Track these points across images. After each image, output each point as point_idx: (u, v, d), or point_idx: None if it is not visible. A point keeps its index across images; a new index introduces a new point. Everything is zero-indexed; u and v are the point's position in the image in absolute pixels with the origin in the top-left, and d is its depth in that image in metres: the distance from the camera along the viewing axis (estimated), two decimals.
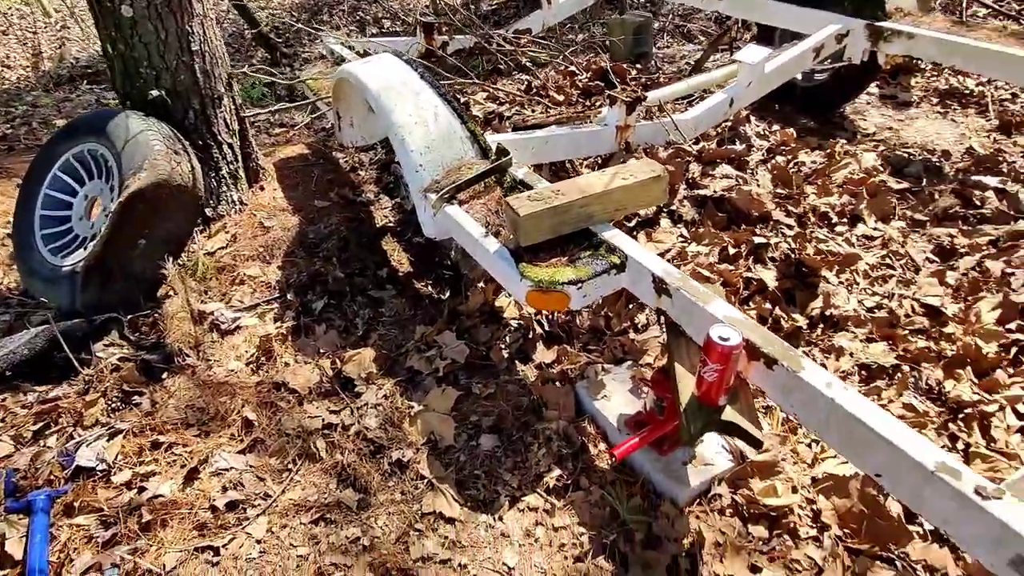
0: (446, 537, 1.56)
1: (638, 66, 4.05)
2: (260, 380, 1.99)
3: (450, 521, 1.59)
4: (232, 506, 1.61)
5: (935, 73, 3.82)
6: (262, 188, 2.93)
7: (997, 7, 3.87)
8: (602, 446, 1.74)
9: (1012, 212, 2.51)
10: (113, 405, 1.87)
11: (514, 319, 2.14)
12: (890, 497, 1.51)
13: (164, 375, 1.99)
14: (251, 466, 1.72)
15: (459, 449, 1.76)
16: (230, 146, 2.69)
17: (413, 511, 1.61)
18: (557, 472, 1.67)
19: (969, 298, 2.09)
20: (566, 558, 1.50)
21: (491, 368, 1.99)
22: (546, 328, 2.11)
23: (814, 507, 1.55)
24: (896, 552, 1.45)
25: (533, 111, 3.20)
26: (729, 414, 1.32)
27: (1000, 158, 2.87)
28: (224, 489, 1.65)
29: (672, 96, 2.88)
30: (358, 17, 6.52)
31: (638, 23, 4.30)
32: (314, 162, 3.24)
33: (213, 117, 2.58)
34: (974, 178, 2.73)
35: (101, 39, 2.40)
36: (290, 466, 1.73)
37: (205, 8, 2.48)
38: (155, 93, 2.38)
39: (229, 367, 2.06)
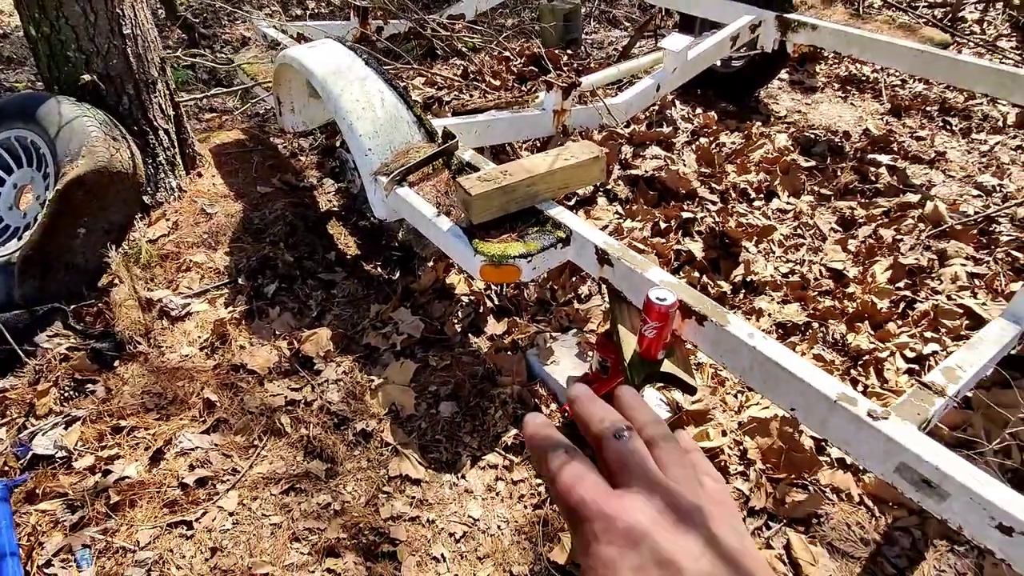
0: (413, 497, 1.67)
1: (569, 52, 4.20)
2: (217, 363, 2.02)
3: (416, 482, 1.70)
4: (202, 482, 1.66)
5: (837, 61, 4.17)
6: (200, 175, 2.89)
7: (888, 1, 4.26)
8: (553, 406, 1.89)
9: (901, 186, 2.83)
10: (66, 394, 1.86)
11: (465, 295, 2.25)
12: (803, 434, 1.74)
13: (116, 363, 1.99)
14: (216, 444, 1.77)
15: (420, 417, 1.87)
16: (166, 132, 2.65)
17: (380, 476, 1.71)
18: (514, 432, 1.80)
19: (866, 262, 2.37)
20: (526, 507, 1.64)
21: (446, 341, 2.10)
22: (496, 302, 2.24)
23: (741, 447, 1.76)
24: (809, 479, 1.68)
25: (471, 96, 3.28)
26: (667, 366, 1.49)
27: (891, 138, 3.21)
28: (192, 467, 1.69)
29: (604, 81, 3.04)
30: None
31: (567, 9, 4.44)
32: (252, 148, 3.21)
33: (148, 102, 2.53)
34: (870, 156, 3.05)
35: (23, 20, 2.31)
36: (256, 442, 1.79)
37: None
38: (87, 78, 2.31)
39: (183, 352, 2.07)
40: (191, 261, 2.40)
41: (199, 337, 2.13)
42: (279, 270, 2.37)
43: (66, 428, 1.74)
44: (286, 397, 1.90)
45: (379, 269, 2.47)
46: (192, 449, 1.73)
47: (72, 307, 2.11)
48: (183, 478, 1.65)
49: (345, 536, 1.56)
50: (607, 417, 0.44)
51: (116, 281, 2.21)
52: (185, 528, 1.56)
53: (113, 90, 2.42)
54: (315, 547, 1.54)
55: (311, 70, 2.19)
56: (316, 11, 5.89)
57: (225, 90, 3.51)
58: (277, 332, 2.14)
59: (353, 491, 1.67)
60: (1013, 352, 1.88)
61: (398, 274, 2.40)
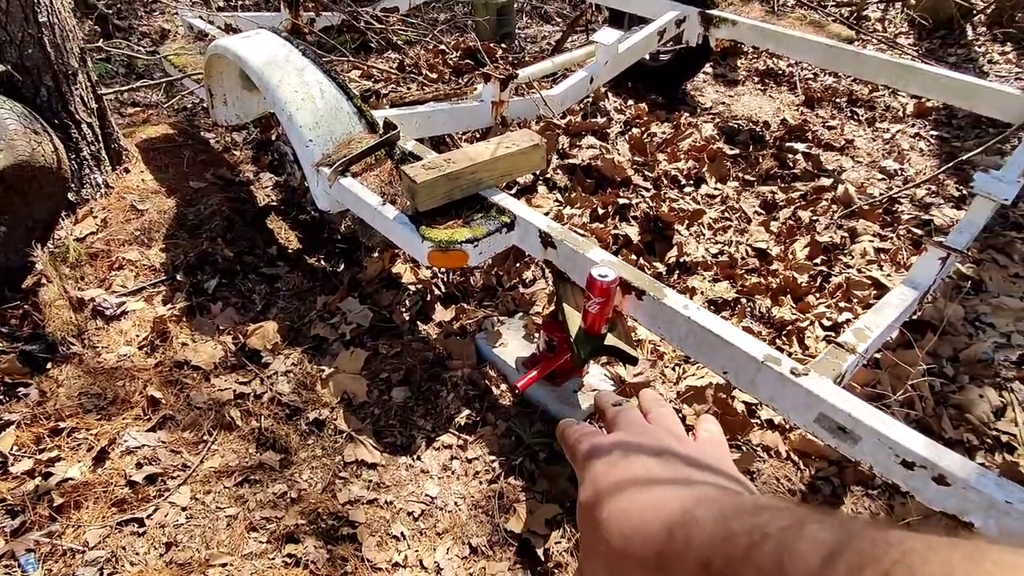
0: (370, 480, 1.69)
1: (504, 46, 4.27)
2: (159, 361, 1.97)
3: (372, 466, 1.73)
4: (151, 479, 1.63)
5: (755, 56, 4.42)
6: (127, 170, 2.78)
7: None
8: (503, 387, 1.96)
9: (815, 171, 3.06)
10: None
11: (412, 283, 2.28)
12: (736, 399, 1.88)
13: (48, 365, 1.91)
14: (164, 441, 1.74)
15: (373, 404, 1.89)
16: (89, 126, 2.53)
17: (336, 462, 1.73)
18: (466, 412, 1.86)
19: (787, 241, 2.56)
20: (481, 482, 1.70)
21: (395, 329, 2.13)
22: (443, 289, 2.28)
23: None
24: (742, 440, 1.81)
25: (409, 88, 3.30)
26: (610, 340, 1.59)
27: (806, 127, 3.45)
28: (139, 465, 1.66)
29: (539, 74, 3.12)
30: None
31: (501, 4, 4.50)
32: (182, 143, 3.11)
33: (69, 95, 2.42)
34: (788, 144, 3.27)
35: None
36: (205, 437, 1.76)
37: None
38: (0, 68, 2.19)
39: (120, 352, 2.01)
40: (124, 259, 2.32)
41: (137, 336, 2.07)
42: (219, 265, 2.33)
43: None
44: (234, 391, 1.88)
45: (323, 261, 2.46)
46: (138, 447, 1.70)
47: None
48: (131, 476, 1.62)
49: (304, 522, 1.57)
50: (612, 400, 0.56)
51: (43, 281, 2.12)
52: (136, 525, 1.53)
53: (30, 81, 2.30)
54: (273, 535, 1.55)
55: (246, 61, 2.16)
56: (241, 2, 5.70)
57: (151, 82, 3.37)
58: (221, 327, 2.10)
59: (309, 479, 1.69)
60: (914, 317, 2.09)
61: (343, 265, 2.40)
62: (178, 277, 2.25)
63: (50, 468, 1.60)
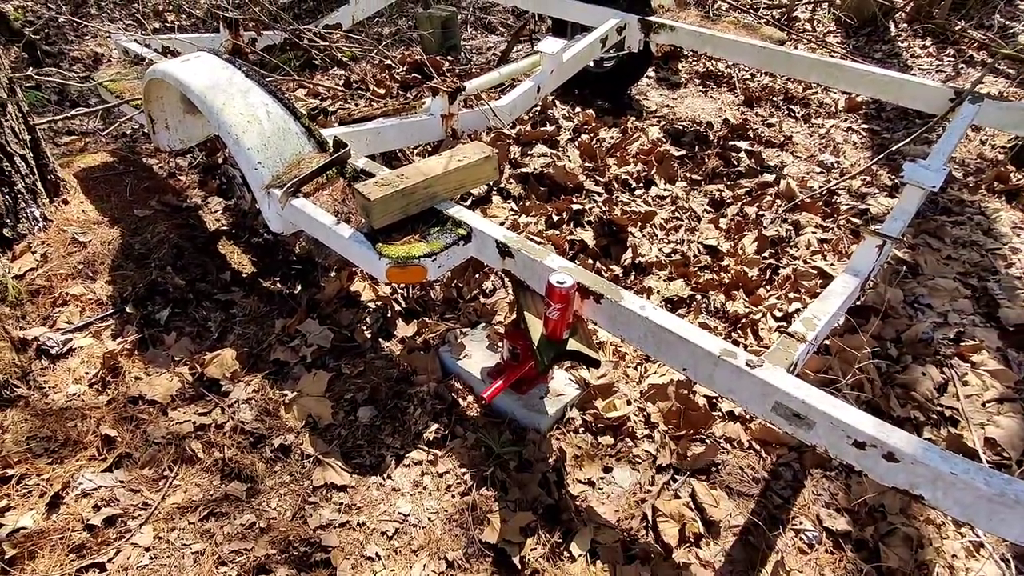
0: (341, 503, 1.67)
1: (450, 58, 4.29)
2: (112, 398, 1.90)
3: (342, 489, 1.71)
4: (110, 522, 1.57)
5: (695, 59, 4.56)
6: (66, 202, 2.68)
7: (732, 3, 4.72)
8: (470, 398, 1.96)
9: (758, 167, 3.17)
10: None
11: (372, 301, 2.27)
12: (697, 394, 1.93)
13: None
14: (121, 481, 1.68)
15: (339, 425, 1.87)
16: (23, 158, 2.43)
17: (304, 487, 1.70)
18: (434, 427, 1.85)
19: (736, 237, 2.64)
20: (454, 496, 1.70)
21: (357, 348, 2.11)
22: (404, 305, 2.27)
23: (645, 413, 1.92)
24: (705, 433, 1.87)
25: (356, 105, 3.28)
26: (572, 344, 1.62)
27: (747, 126, 3.58)
28: (97, 507, 1.59)
29: (487, 85, 3.15)
30: (133, 10, 5.93)
31: (444, 16, 4.53)
32: (123, 170, 3.01)
33: None
34: (731, 143, 3.38)
35: None
36: (166, 473, 1.71)
37: None
38: None
39: (69, 391, 1.93)
40: (67, 294, 2.23)
41: (86, 373, 1.99)
42: (170, 294, 2.27)
43: None
44: (194, 423, 1.83)
45: (279, 284, 2.42)
46: (95, 489, 1.63)
47: None
48: (88, 520, 1.56)
49: (275, 551, 1.54)
50: None
51: None
52: (98, 571, 1.47)
53: None
54: (244, 568, 1.51)
55: (187, 85, 2.11)
56: (175, 24, 5.56)
57: (87, 110, 3.26)
58: (176, 358, 2.05)
59: (278, 506, 1.65)
60: (858, 303, 2.19)
61: (300, 287, 2.37)
62: (127, 309, 2.18)
63: (0, 518, 1.53)
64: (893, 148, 2.76)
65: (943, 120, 2.63)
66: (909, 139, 2.64)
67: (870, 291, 2.29)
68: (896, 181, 3.08)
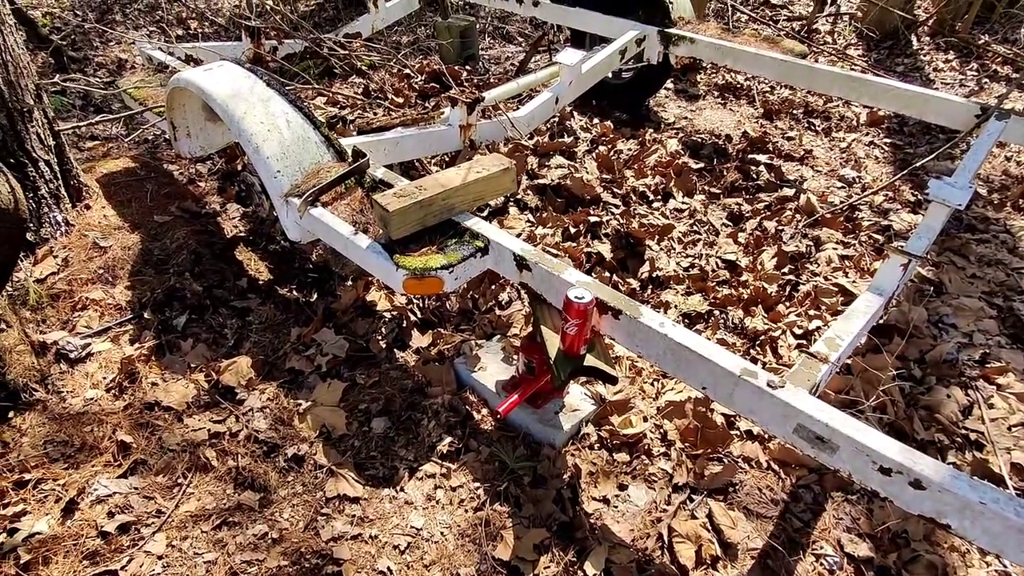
0: (353, 515, 1.66)
1: (468, 68, 4.30)
2: (128, 403, 1.91)
3: (355, 500, 1.70)
4: (124, 529, 1.57)
5: (714, 71, 4.54)
6: (88, 207, 2.72)
7: (753, 15, 4.69)
8: (485, 411, 1.94)
9: (778, 181, 3.14)
10: None
11: (388, 311, 2.26)
12: (715, 411, 1.90)
13: (10, 414, 1.84)
14: (136, 487, 1.68)
15: (353, 436, 1.86)
16: (47, 163, 2.47)
17: (317, 498, 1.69)
18: (448, 440, 1.84)
19: (755, 252, 2.61)
20: (467, 510, 1.68)
21: (372, 358, 2.10)
22: (419, 315, 2.26)
23: (661, 430, 1.89)
24: (723, 452, 1.83)
25: (375, 114, 3.30)
26: (590, 360, 1.60)
27: (767, 139, 3.54)
28: (111, 514, 1.60)
29: (505, 96, 3.15)
30: (157, 17, 6.03)
31: (463, 26, 4.55)
32: (144, 176, 3.05)
33: (24, 132, 2.35)
34: (750, 156, 3.35)
35: None
36: (180, 480, 1.71)
37: (3, 13, 2.26)
38: None
39: (87, 396, 1.95)
40: (87, 299, 2.25)
41: (104, 378, 2.01)
42: (188, 301, 2.28)
43: None
44: (209, 430, 1.83)
45: (295, 292, 2.42)
46: (109, 495, 1.64)
47: None
48: (102, 526, 1.56)
49: (287, 563, 1.53)
50: None
51: (2, 326, 2.04)
52: None
53: None
54: None
55: (209, 93, 2.13)
56: (198, 32, 5.64)
57: (111, 116, 3.31)
58: (192, 365, 2.05)
59: (290, 517, 1.65)
60: (881, 322, 2.15)
61: (316, 295, 2.38)
62: (145, 315, 2.20)
63: (15, 523, 1.53)
64: (916, 164, 2.71)
65: (968, 136, 2.59)
66: (933, 155, 2.59)
67: (893, 310, 2.25)
68: (919, 197, 3.03)
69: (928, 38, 4.98)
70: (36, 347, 2.01)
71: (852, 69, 3.40)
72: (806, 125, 3.85)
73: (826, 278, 2.45)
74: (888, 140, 3.68)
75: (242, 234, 2.74)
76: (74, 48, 5.10)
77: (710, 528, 1.65)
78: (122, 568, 1.49)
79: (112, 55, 5.01)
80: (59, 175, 2.55)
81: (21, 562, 1.46)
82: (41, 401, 1.89)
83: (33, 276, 2.26)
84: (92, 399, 1.93)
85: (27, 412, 1.85)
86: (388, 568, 1.55)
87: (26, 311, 2.12)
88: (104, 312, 2.21)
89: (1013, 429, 1.91)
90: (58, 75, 3.98)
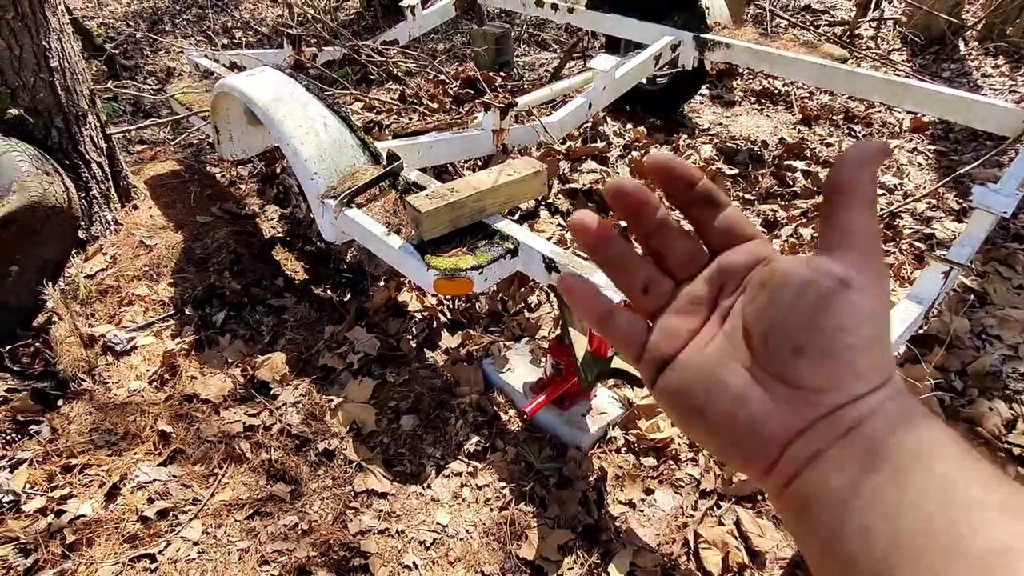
0: (381, 510, 1.69)
1: (503, 74, 4.35)
2: (169, 395, 1.99)
3: (382, 496, 1.72)
4: (162, 514, 1.63)
5: (751, 76, 4.48)
6: (136, 207, 2.83)
7: (793, 20, 4.62)
8: (512, 412, 1.96)
9: (815, 188, 3.08)
10: (9, 437, 1.79)
11: (418, 311, 2.30)
12: None
13: (60, 402, 1.93)
14: (175, 475, 1.74)
15: (382, 432, 1.90)
16: (99, 165, 2.59)
17: (346, 492, 1.73)
18: (475, 439, 1.86)
19: None
20: (492, 509, 1.70)
21: (403, 357, 2.14)
22: (449, 316, 2.29)
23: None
24: None
25: (410, 119, 3.36)
26: (617, 362, 1.60)
27: (804, 146, 3.48)
28: (151, 500, 1.66)
29: (539, 101, 3.18)
30: (204, 27, 6.25)
31: (499, 33, 4.60)
32: (189, 178, 3.16)
33: (78, 135, 2.47)
34: (786, 163, 3.30)
35: None
36: (216, 470, 1.77)
37: (62, 23, 2.38)
38: (13, 112, 2.25)
39: (131, 387, 2.03)
40: (133, 294, 2.35)
41: (147, 371, 2.09)
42: (227, 298, 2.35)
43: (12, 471, 1.67)
44: (244, 423, 1.89)
45: (329, 291, 2.48)
46: (149, 482, 1.70)
47: (7, 348, 2.03)
48: (142, 512, 1.62)
49: (315, 554, 1.57)
50: None
51: (54, 319, 2.14)
52: (149, 561, 1.53)
53: (41, 124, 2.35)
54: (285, 568, 1.54)
55: (252, 98, 2.21)
56: (242, 40, 5.82)
57: (159, 120, 3.44)
58: (229, 360, 2.12)
59: (320, 510, 1.68)
60: (920, 331, 2.09)
61: (350, 295, 2.43)
62: (187, 311, 2.28)
63: (62, 505, 1.61)
64: (962, 171, 2.63)
65: (1016, 143, 2.50)
66: (979, 162, 2.51)
67: (934, 319, 2.19)
68: (964, 205, 2.94)
69: (976, 43, 4.83)
70: (85, 339, 2.10)
71: (896, 74, 3.32)
72: (846, 131, 3.77)
73: None
74: (932, 147, 3.58)
75: (280, 235, 2.81)
76: (126, 56, 5.32)
77: (737, 535, 1.63)
78: (160, 552, 1.55)
79: (161, 63, 5.22)
80: (110, 176, 2.66)
81: (67, 543, 1.53)
82: (88, 391, 1.98)
83: (84, 272, 2.37)
84: (135, 390, 2.01)
85: (75, 401, 1.94)
86: (414, 563, 1.57)
87: (76, 305, 2.22)
88: (148, 308, 2.30)
89: None
90: (111, 82, 4.16)
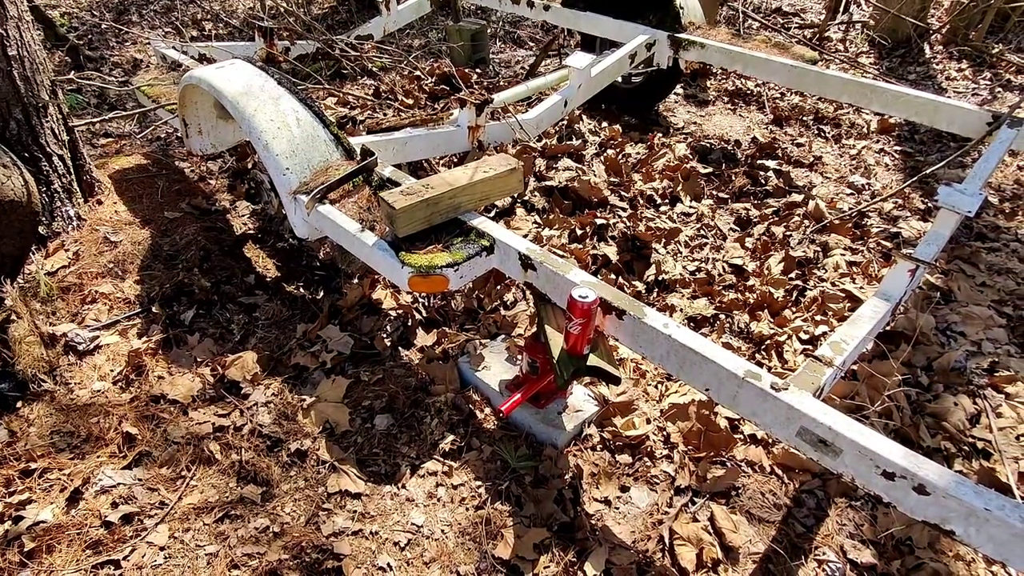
0: (355, 511, 1.67)
1: (478, 71, 4.32)
2: (134, 396, 1.93)
3: (356, 496, 1.70)
4: (127, 519, 1.58)
5: (724, 77, 4.53)
6: (100, 202, 2.74)
7: (764, 22, 4.69)
8: (488, 410, 1.95)
9: (786, 187, 3.13)
10: None
11: (393, 309, 2.27)
12: (719, 415, 1.89)
13: (19, 404, 1.86)
14: (140, 479, 1.69)
15: (356, 432, 1.87)
16: (61, 158, 2.50)
17: (319, 494, 1.70)
18: (451, 438, 1.84)
19: (762, 256, 2.60)
20: (468, 509, 1.68)
21: (377, 356, 2.11)
22: (424, 314, 2.27)
23: (664, 432, 1.89)
24: (726, 455, 1.82)
25: (385, 114, 3.32)
26: (593, 360, 1.59)
27: (776, 145, 3.53)
28: (115, 504, 1.61)
29: (514, 98, 3.16)
30: (173, 18, 6.09)
31: (475, 30, 4.57)
32: (156, 173, 3.08)
33: (39, 127, 2.39)
34: (759, 162, 3.34)
35: None
36: (184, 473, 1.72)
37: (20, 10, 2.29)
38: None
39: (94, 388, 1.96)
40: (97, 292, 2.27)
41: (111, 370, 2.02)
42: (196, 296, 2.30)
43: None
44: (213, 424, 1.84)
45: (302, 289, 2.44)
46: (113, 486, 1.65)
47: None
48: (106, 516, 1.57)
49: (287, 557, 1.54)
50: None
51: (13, 317, 2.06)
52: (112, 568, 1.48)
53: None
54: (256, 572, 1.51)
55: (221, 91, 2.15)
56: (212, 33, 5.69)
57: (124, 113, 3.34)
58: (198, 359, 2.07)
59: (292, 511, 1.65)
60: (887, 328, 2.14)
61: (323, 293, 2.39)
62: (153, 309, 2.22)
63: (20, 511, 1.55)
64: (927, 171, 2.69)
65: (980, 144, 2.57)
66: (944, 162, 2.58)
67: (901, 317, 2.23)
68: (929, 205, 3.01)
69: (941, 47, 4.96)
70: (45, 338, 2.03)
71: (863, 76, 3.38)
72: (816, 132, 3.83)
73: (833, 284, 2.43)
74: (899, 148, 3.66)
75: (251, 231, 2.76)
76: (91, 47, 5.16)
77: (712, 531, 1.64)
78: (124, 558, 1.50)
79: (128, 54, 5.07)
80: (72, 170, 2.58)
81: (25, 550, 1.48)
82: (49, 392, 1.91)
83: (44, 269, 2.28)
84: (99, 391, 1.95)
85: (35, 402, 1.87)
86: (388, 564, 1.55)
87: (36, 303, 2.14)
88: (113, 305, 2.23)
89: (1021, 438, 1.89)
90: (74, 73, 4.03)
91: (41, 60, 2.41)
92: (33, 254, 2.30)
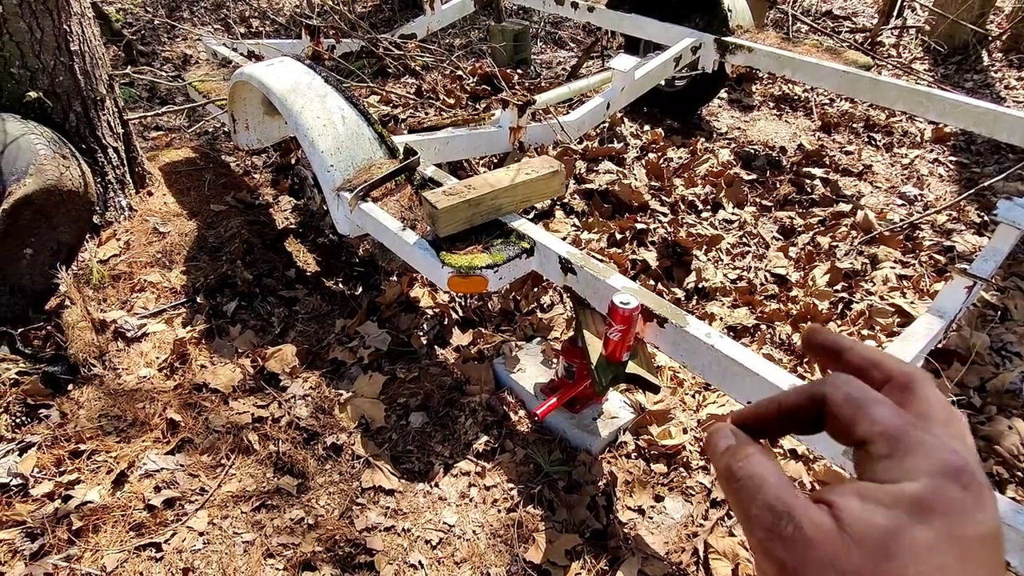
0: (387, 507, 1.68)
1: (520, 71, 4.32)
2: (178, 383, 1.98)
3: (390, 493, 1.71)
4: (169, 503, 1.62)
5: (771, 81, 4.44)
6: (150, 193, 2.83)
7: (815, 25, 4.57)
8: (522, 413, 1.94)
9: (834, 196, 3.04)
10: (18, 420, 1.78)
11: (430, 307, 2.28)
12: None
13: (70, 387, 1.92)
14: (182, 465, 1.73)
15: (391, 429, 1.88)
16: (115, 150, 2.58)
17: (353, 488, 1.71)
18: (484, 439, 1.84)
19: (806, 267, 2.54)
20: (499, 511, 1.68)
21: (413, 354, 2.12)
22: (460, 314, 2.28)
23: (701, 443, 1.85)
24: None
25: (426, 114, 3.34)
26: (631, 367, 1.57)
27: (823, 152, 3.44)
28: (158, 489, 1.65)
29: (556, 100, 3.15)
30: (222, 15, 6.25)
31: (517, 30, 4.57)
32: (203, 166, 3.15)
33: (96, 120, 2.47)
34: (805, 169, 3.26)
35: None
36: (223, 461, 1.76)
37: (83, 6, 2.38)
38: (32, 95, 2.25)
39: (140, 374, 2.02)
40: (145, 281, 2.34)
41: (157, 358, 2.08)
42: (238, 288, 2.35)
43: (20, 455, 1.67)
44: (252, 414, 1.88)
45: (341, 285, 2.47)
46: (157, 470, 1.70)
47: (19, 330, 2.03)
48: (149, 500, 1.61)
49: (320, 549, 1.55)
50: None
51: (67, 303, 2.14)
52: (154, 550, 1.52)
53: (60, 107, 2.35)
54: (290, 562, 1.53)
55: (270, 87, 2.20)
56: (260, 30, 5.82)
57: (175, 108, 3.44)
58: (239, 350, 2.11)
59: (326, 504, 1.67)
60: (940, 345, 2.06)
61: (361, 289, 2.41)
62: (198, 299, 2.27)
63: (70, 491, 1.60)
64: (985, 183, 2.59)
65: None
66: (1003, 175, 2.47)
67: (954, 334, 2.15)
68: (987, 219, 2.89)
69: (1000, 54, 4.76)
70: (96, 324, 2.10)
71: (918, 83, 3.27)
72: (866, 139, 3.72)
73: (882, 297, 2.36)
74: (954, 158, 3.53)
75: (292, 226, 2.81)
76: (143, 43, 5.32)
77: (748, 547, 1.61)
78: (165, 541, 1.54)
79: (179, 50, 5.22)
80: (125, 162, 2.66)
81: (73, 528, 1.52)
82: (98, 376, 1.97)
83: (97, 257, 2.36)
84: (145, 377, 2.01)
85: (85, 386, 1.93)
86: (419, 562, 1.55)
87: (89, 290, 2.22)
88: (160, 295, 2.30)
89: None
90: (128, 67, 4.17)
91: (100, 55, 2.50)
92: (87, 242, 2.38)
